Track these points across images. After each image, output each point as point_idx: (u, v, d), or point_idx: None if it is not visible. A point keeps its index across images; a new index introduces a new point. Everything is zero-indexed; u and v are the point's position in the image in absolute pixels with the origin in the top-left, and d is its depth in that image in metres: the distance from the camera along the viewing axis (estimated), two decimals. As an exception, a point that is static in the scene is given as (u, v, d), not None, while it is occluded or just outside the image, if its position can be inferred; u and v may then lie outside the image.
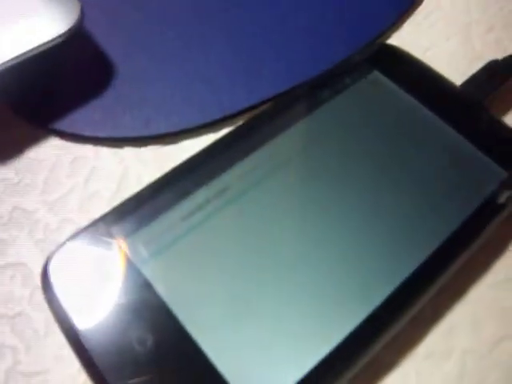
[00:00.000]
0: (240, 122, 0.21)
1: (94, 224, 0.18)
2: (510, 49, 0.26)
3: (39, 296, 0.18)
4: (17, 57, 0.20)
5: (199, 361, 0.15)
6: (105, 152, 0.21)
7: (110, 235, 0.17)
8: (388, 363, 0.17)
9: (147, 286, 0.16)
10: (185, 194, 0.18)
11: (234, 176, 0.19)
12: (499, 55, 0.24)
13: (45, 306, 0.17)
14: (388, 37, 0.26)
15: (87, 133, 0.21)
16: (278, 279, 0.17)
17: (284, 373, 0.15)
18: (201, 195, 0.18)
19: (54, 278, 0.17)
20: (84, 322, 0.16)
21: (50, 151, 0.21)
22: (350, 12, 0.26)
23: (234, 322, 0.16)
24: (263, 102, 0.22)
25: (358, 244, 0.17)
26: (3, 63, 0.19)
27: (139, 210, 0.18)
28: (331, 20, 0.25)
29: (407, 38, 0.26)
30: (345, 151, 0.19)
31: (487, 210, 0.18)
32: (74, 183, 0.20)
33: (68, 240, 0.17)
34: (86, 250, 0.17)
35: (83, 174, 0.20)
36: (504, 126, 0.21)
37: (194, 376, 0.15)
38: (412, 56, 0.23)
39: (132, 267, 0.17)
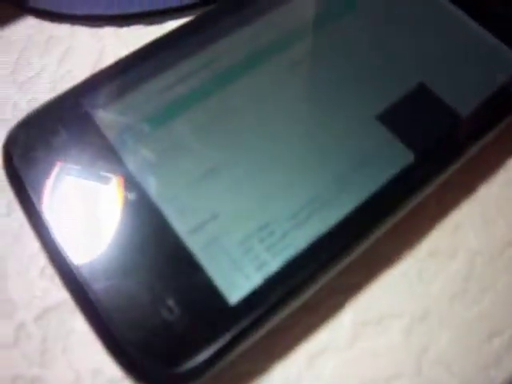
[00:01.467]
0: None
1: (63, 95, 0.16)
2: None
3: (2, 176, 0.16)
4: None
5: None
6: (83, 31, 0.19)
7: (80, 106, 0.15)
8: (388, 258, 0.15)
9: (116, 157, 0.15)
10: (166, 65, 0.16)
11: (218, 51, 0.16)
12: None
13: (8, 186, 0.15)
14: None
15: (62, 10, 0.19)
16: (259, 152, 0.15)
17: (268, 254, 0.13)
18: (184, 68, 0.16)
19: (14, 151, 0.15)
20: (45, 201, 0.14)
21: (25, 31, 0.19)
22: None
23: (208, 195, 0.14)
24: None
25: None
26: None
27: (114, 80, 0.16)
28: None
29: None
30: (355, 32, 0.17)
31: (503, 100, 0.16)
32: (46, 63, 0.18)
33: (33, 111, 0.15)
34: (51, 122, 0.15)
35: (57, 54, 0.18)
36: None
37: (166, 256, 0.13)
38: None
39: (103, 140, 0.15)
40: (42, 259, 0.15)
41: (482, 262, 0.15)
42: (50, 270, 0.15)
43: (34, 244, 0.15)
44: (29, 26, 0.19)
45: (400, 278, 0.15)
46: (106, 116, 0.15)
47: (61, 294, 0.15)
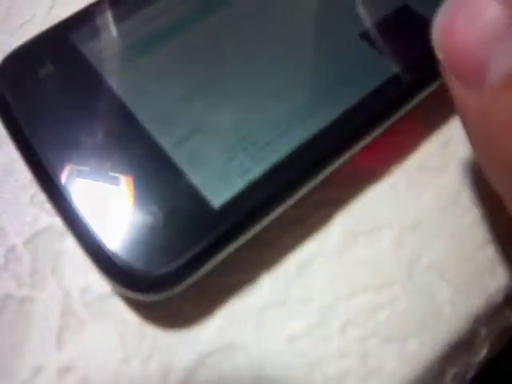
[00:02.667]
0: None
1: (50, 29, 0.16)
2: None
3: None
4: None
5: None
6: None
7: (67, 39, 0.16)
8: (376, 172, 0.15)
9: (103, 83, 0.15)
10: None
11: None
12: None
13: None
14: None
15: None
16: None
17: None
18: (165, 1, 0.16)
19: (3, 83, 0.15)
20: (30, 124, 0.14)
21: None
22: None
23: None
24: None
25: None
26: None
27: (100, 14, 0.16)
28: None
29: None
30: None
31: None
32: (36, 10, 0.19)
33: (21, 45, 0.16)
34: (39, 54, 0.16)
35: (46, 1, 0.19)
36: None
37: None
38: None
39: (90, 69, 0.15)
40: (32, 189, 0.15)
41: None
42: (41, 197, 0.15)
43: (25, 175, 0.15)
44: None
45: (389, 190, 0.15)
46: (93, 47, 0.16)
47: (50, 220, 0.15)
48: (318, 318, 0.13)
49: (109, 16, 0.16)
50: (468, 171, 0.15)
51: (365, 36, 0.15)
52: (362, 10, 0.16)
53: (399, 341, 0.13)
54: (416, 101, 0.15)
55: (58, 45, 0.16)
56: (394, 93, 0.15)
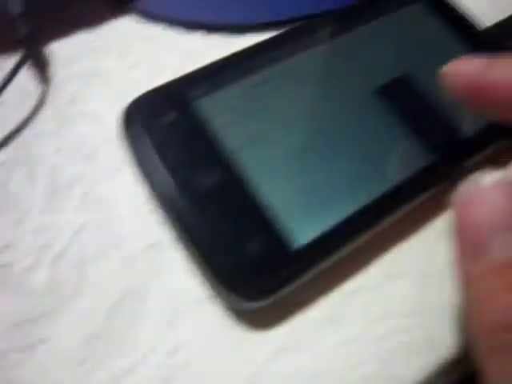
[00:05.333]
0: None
1: (169, 83, 0.20)
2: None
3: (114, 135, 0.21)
4: None
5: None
6: (175, 32, 0.23)
7: (183, 94, 0.20)
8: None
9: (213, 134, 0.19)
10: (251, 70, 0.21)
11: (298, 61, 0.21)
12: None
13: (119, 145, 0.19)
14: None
15: (160, 12, 0.23)
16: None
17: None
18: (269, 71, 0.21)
19: (131, 119, 0.19)
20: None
21: (128, 24, 0.23)
22: None
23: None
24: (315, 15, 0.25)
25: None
26: None
27: (210, 77, 0.20)
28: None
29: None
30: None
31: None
32: (144, 54, 0.23)
33: (146, 92, 0.20)
34: (159, 105, 0.20)
35: (153, 49, 0.23)
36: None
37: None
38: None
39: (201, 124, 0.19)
40: (150, 204, 0.20)
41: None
42: (158, 212, 0.19)
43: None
44: (131, 20, 0.23)
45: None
46: (205, 103, 0.20)
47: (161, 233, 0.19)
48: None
49: (229, 74, 0.20)
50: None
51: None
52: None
53: None
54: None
55: (175, 97, 0.20)
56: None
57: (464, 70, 0.17)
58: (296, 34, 0.22)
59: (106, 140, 0.21)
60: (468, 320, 0.15)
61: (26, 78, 0.22)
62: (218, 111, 0.20)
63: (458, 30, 0.24)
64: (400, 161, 0.20)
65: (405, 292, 0.19)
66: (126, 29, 0.23)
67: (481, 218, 0.14)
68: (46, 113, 0.21)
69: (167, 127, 0.19)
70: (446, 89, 0.18)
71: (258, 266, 0.17)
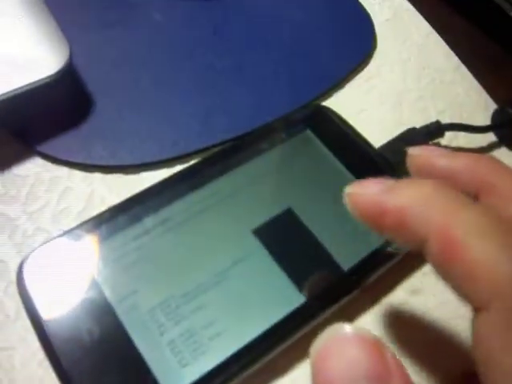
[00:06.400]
0: (191, 162, 0.26)
1: (62, 235, 0.22)
2: (433, 117, 0.30)
3: (13, 288, 0.23)
4: (8, 92, 0.24)
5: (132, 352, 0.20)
6: (77, 174, 0.25)
7: (75, 245, 0.22)
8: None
9: (97, 287, 0.21)
10: (136, 219, 0.23)
11: (176, 208, 0.24)
12: (423, 123, 0.29)
13: (17, 297, 0.21)
14: (330, 95, 0.31)
15: (63, 157, 0.25)
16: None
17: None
18: (148, 222, 0.23)
19: (26, 274, 0.22)
20: (47, 312, 0.21)
21: (33, 169, 0.26)
22: (301, 70, 0.31)
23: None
24: (213, 146, 0.27)
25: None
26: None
27: (98, 228, 0.23)
28: (281, 76, 0.30)
29: (347, 98, 0.31)
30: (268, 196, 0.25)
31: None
32: (49, 198, 0.25)
33: (40, 246, 0.22)
34: (54, 255, 0.22)
35: (58, 191, 0.25)
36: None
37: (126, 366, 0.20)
38: (342, 118, 0.28)
39: (88, 272, 0.22)
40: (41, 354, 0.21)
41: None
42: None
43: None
44: (36, 165, 0.26)
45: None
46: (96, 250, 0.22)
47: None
48: None
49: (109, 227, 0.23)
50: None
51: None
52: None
53: None
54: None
55: (65, 249, 0.22)
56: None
57: (364, 192, 0.17)
58: (172, 182, 0.25)
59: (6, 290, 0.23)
60: None
61: None
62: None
63: (348, 152, 0.27)
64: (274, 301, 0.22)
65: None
66: (30, 172, 0.25)
67: (336, 372, 0.14)
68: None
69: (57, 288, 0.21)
70: (348, 209, 0.18)
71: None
